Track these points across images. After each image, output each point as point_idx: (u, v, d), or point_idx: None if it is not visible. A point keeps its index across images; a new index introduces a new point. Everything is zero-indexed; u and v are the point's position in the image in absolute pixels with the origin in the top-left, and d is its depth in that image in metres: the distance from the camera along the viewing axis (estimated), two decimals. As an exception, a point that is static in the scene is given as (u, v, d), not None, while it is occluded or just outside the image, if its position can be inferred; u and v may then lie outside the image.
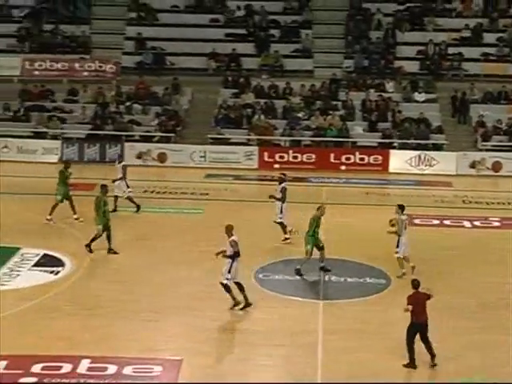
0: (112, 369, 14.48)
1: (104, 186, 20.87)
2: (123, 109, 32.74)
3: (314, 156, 30.94)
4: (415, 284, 14.91)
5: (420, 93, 33.95)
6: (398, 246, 19.09)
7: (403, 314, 14.81)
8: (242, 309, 17.02)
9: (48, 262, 19.79)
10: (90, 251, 20.30)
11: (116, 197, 23.60)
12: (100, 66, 34.36)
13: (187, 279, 18.73)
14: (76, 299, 17.64)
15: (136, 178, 27.77)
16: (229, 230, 17.12)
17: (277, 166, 30.53)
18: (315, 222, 19.21)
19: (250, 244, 21.17)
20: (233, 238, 17.05)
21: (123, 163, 24.31)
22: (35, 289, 18.19)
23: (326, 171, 30.06)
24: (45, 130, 31.47)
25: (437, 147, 31.66)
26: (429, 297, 14.85)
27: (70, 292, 18.08)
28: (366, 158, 30.88)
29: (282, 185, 21.61)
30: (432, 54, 35.65)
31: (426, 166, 30.70)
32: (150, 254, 20.50)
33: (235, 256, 16.92)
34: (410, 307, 14.51)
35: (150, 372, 14.49)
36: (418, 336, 14.65)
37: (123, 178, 23.74)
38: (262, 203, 24.38)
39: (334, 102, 33.48)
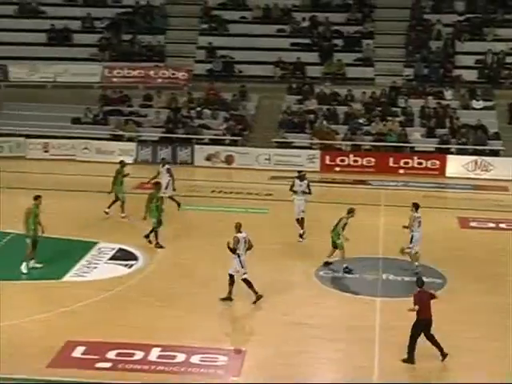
0: (180, 357, 14.65)
1: (157, 183, 21.58)
2: (194, 113, 33.05)
3: (373, 160, 30.69)
4: (419, 283, 14.76)
5: (478, 100, 33.35)
6: (411, 242, 19.09)
7: (457, 312, 14.59)
8: (224, 299, 17.09)
9: (123, 255, 20.12)
10: (161, 246, 20.59)
11: (171, 197, 23.81)
12: (173, 74, 34.75)
13: (251, 275, 18.81)
14: (148, 291, 17.89)
15: (204, 178, 28.09)
16: (236, 227, 17.39)
17: (338, 169, 30.42)
18: (342, 224, 19.22)
19: (311, 243, 21.26)
20: (237, 234, 17.27)
21: (167, 166, 24.39)
22: (111, 281, 18.51)
23: (385, 175, 29.79)
24: (121, 132, 31.98)
25: (494, 153, 31.07)
26: (433, 296, 14.67)
27: (143, 284, 18.35)
28: (424, 162, 30.48)
29: (305, 181, 21.97)
30: (490, 63, 34.99)
31: (482, 171, 30.14)
32: (216, 251, 20.61)
33: (234, 251, 17.09)
34: (417, 307, 14.34)
35: (216, 361, 14.60)
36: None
37: (172, 179, 23.88)
38: (323, 204, 24.35)
39: (394, 109, 33.14)
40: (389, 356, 14.74)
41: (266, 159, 30.78)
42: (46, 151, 30.88)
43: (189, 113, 32.96)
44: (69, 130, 31.84)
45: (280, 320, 16.53)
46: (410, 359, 14.45)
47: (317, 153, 30.90)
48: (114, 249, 20.49)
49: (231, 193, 26.89)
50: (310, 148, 31.53)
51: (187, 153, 30.71)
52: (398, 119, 32.45)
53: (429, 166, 30.43)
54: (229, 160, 30.80)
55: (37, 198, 18.92)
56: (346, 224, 19.27)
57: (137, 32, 36.44)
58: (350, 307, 17.26)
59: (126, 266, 19.51)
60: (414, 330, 14.43)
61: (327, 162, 30.72)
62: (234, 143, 31.48)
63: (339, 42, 36.29)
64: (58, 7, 37.37)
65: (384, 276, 19.01)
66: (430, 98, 33.39)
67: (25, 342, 15.14)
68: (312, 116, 32.77)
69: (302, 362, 14.70)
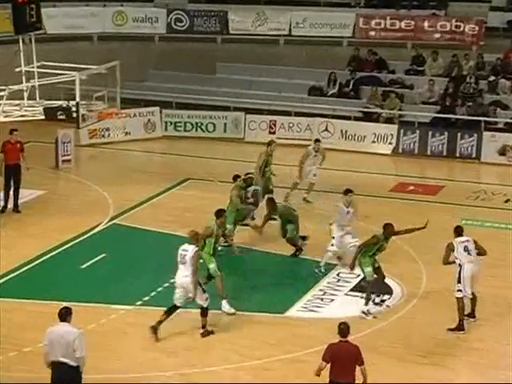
0: None
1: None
2: (484, 85, 32.60)
3: None
4: (342, 330, 13.88)
5: None
6: None
7: None
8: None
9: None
10: None
11: None
12: (457, 26, 34.54)
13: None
14: (402, 338, 17.85)
15: (495, 181, 27.75)
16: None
17: None
18: None
19: None
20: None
21: None
22: (352, 319, 18.65)
23: None
24: (378, 110, 32.23)
25: None
26: (361, 360, 13.86)
27: (397, 328, 18.36)
28: None
29: None
30: None
31: None
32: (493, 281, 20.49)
33: None
34: (324, 364, 13.67)
35: None
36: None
37: None
38: None
39: None
40: None
41: None
42: (271, 132, 31.60)
43: (476, 84, 32.57)
44: (304, 105, 32.69)
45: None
46: None
47: None
48: (359, 275, 20.69)
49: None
50: None
51: (471, 142, 30.34)
52: None
53: None
54: (532, 155, 30.07)
55: None
56: None
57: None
58: None
59: (374, 300, 19.72)
60: None
61: None
62: (545, 131, 30.68)
63: None
64: None
65: None
66: None
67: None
68: None
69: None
